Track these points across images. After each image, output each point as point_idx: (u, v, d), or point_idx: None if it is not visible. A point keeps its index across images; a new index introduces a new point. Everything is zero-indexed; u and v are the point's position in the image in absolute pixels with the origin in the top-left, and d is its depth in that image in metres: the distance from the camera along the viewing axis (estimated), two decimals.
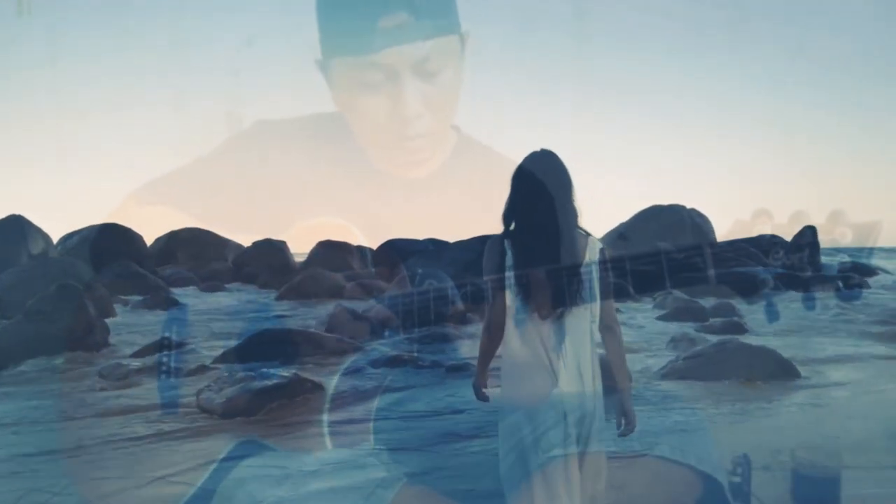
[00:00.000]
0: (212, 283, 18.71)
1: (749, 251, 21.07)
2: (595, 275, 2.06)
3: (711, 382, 5.88)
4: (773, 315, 11.55)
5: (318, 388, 5.76)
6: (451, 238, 20.02)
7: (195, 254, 23.30)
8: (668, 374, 6.14)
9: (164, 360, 7.32)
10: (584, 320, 2.05)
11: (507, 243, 2.06)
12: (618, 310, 2.12)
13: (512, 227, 2.09)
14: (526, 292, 2.03)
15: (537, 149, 2.13)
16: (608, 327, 2.12)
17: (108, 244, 20.15)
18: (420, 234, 22.09)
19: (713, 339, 8.14)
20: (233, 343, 8.38)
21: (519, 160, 2.14)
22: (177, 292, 16.43)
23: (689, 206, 23.76)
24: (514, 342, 2.07)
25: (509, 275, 2.04)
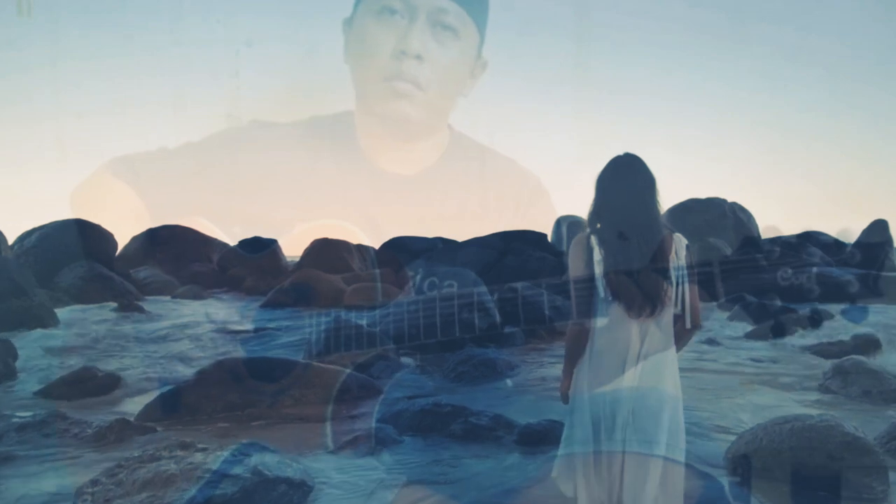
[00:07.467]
0: (191, 287, 16.16)
1: (807, 249, 18.65)
2: (684, 273, 2.02)
3: None
4: None
5: (309, 491, 3.08)
6: (453, 237, 18.00)
7: (176, 254, 20.79)
8: None
9: (64, 413, 4.63)
10: (669, 320, 2.02)
11: (593, 239, 2.03)
12: None
13: (598, 226, 2.07)
14: (616, 290, 1.99)
15: (620, 153, 2.11)
16: (693, 326, 2.06)
17: (71, 242, 17.54)
18: (421, 234, 19.80)
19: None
20: (185, 374, 5.73)
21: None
22: (150, 300, 13.88)
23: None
24: (600, 341, 2.00)
25: (597, 273, 2.00)
